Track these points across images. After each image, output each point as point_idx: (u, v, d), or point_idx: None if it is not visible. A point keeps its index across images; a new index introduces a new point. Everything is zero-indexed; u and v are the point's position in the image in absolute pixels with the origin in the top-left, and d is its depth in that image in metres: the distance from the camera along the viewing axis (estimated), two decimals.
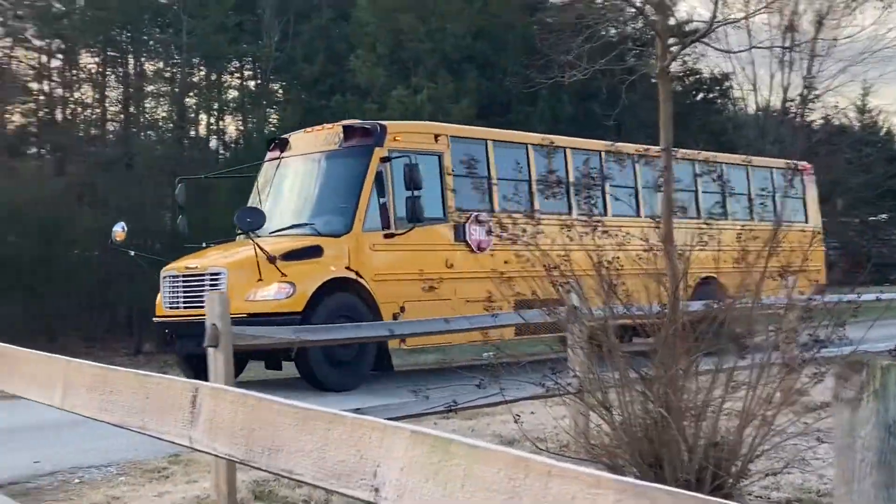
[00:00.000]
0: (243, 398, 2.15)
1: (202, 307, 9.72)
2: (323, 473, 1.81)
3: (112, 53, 23.79)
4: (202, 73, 25.18)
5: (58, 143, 22.43)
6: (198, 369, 10.97)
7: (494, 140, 12.60)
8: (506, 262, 10.92)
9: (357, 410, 1.80)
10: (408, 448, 1.59)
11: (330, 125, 12.47)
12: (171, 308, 11.08)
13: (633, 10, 13.19)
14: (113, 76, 24.29)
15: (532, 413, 6.23)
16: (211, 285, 10.44)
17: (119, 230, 11.38)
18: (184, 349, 10.98)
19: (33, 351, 3.06)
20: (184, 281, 10.95)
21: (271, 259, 10.10)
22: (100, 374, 2.72)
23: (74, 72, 23.38)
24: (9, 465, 6.01)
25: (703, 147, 15.21)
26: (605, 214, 11.86)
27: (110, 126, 23.99)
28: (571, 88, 19.05)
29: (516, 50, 23.09)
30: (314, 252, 10.59)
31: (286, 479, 5.19)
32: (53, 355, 2.94)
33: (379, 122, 12.12)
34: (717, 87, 30.09)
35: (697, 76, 29.31)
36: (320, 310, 10.16)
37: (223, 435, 2.18)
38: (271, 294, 10.18)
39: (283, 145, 12.47)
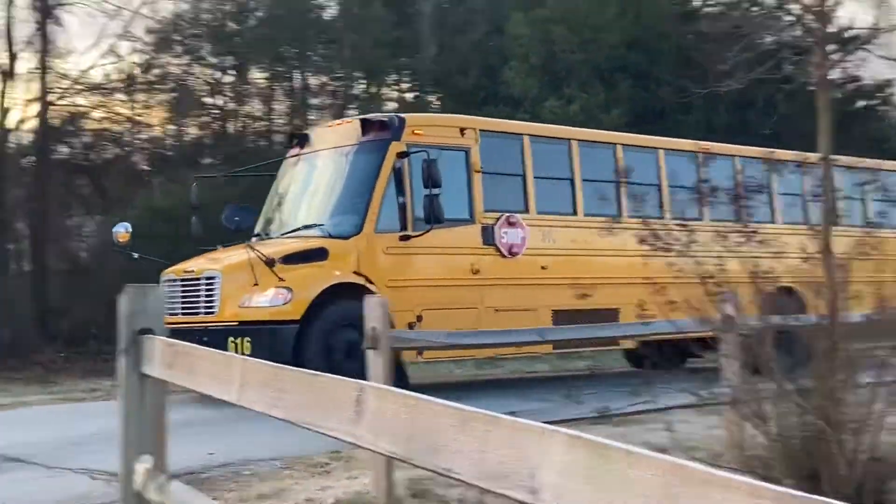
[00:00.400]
0: (405, 399, 2.25)
1: (197, 314, 9.70)
2: (481, 474, 1.88)
3: (279, 69, 24.89)
4: (362, 86, 25.96)
5: (230, 154, 23.64)
6: None
7: (532, 135, 11.51)
8: (543, 269, 10.69)
9: (511, 414, 1.87)
10: (565, 452, 1.64)
11: (350, 119, 11.75)
12: (170, 315, 9.76)
13: (791, 17, 12.73)
14: (280, 90, 25.39)
15: (683, 422, 6.15)
16: (206, 290, 9.70)
17: (122, 231, 10.26)
18: None
19: (212, 350, 3.29)
20: (182, 285, 10.13)
21: (269, 262, 9.30)
22: (271, 372, 2.89)
23: (245, 86, 24.57)
24: (185, 456, 6.39)
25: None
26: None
27: (276, 137, 25.09)
28: (727, 97, 18.57)
29: (670, 60, 22.80)
30: (318, 255, 9.72)
31: (442, 479, 5.35)
32: (231, 354, 3.15)
33: (399, 114, 11.23)
34: (879, 94, 28.57)
35: (858, 83, 27.93)
36: (321, 319, 9.33)
37: (386, 433, 2.29)
38: (267, 300, 9.37)
39: (303, 141, 11.56)
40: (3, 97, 24.98)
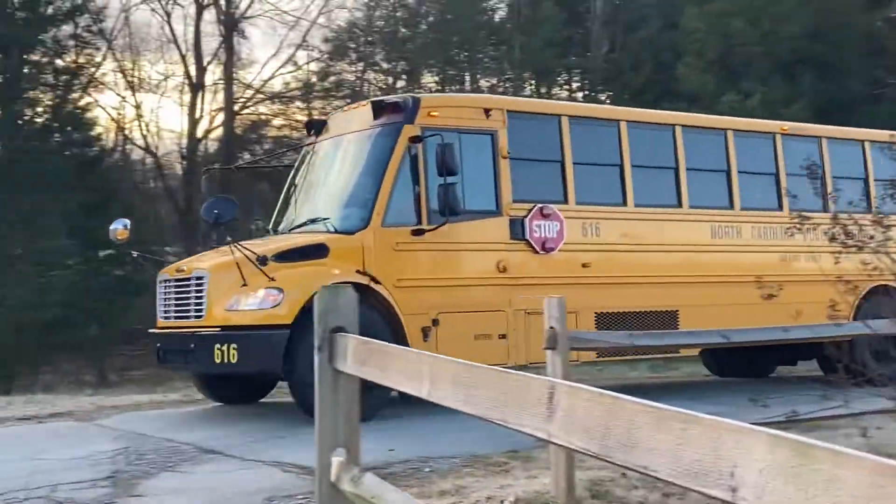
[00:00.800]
0: (599, 397, 2.28)
1: (188, 317, 8.74)
2: (678, 471, 1.90)
3: (450, 72, 25.36)
4: (532, 86, 26.04)
5: None
6: (212, 386, 9.82)
7: (570, 116, 10.14)
8: (585, 266, 9.55)
9: None
10: (767, 451, 1.64)
11: (364, 102, 10.41)
12: (164, 318, 9.41)
13: None
14: (451, 93, 25.85)
15: (879, 428, 5.86)
16: (196, 292, 8.81)
17: (120, 228, 9.40)
18: (176, 366, 9.58)
19: (404, 348, 3.44)
20: (175, 286, 9.27)
21: (261, 260, 8.38)
22: (463, 369, 2.99)
23: (417, 90, 25.17)
24: (365, 452, 6.63)
25: None
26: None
27: None
28: None
29: (857, 49, 21.63)
30: (316, 252, 8.68)
31: (622, 481, 5.34)
32: (421, 352, 3.28)
33: (415, 95, 10.06)
34: None
35: None
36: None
37: (578, 430, 2.33)
38: (256, 303, 8.42)
39: (319, 128, 10.49)
40: (192, 108, 26.69)
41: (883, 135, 11.60)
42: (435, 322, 8.73)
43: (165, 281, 9.47)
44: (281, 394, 10.09)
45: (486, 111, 9.44)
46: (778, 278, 8.80)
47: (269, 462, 6.79)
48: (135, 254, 11.51)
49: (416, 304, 8.65)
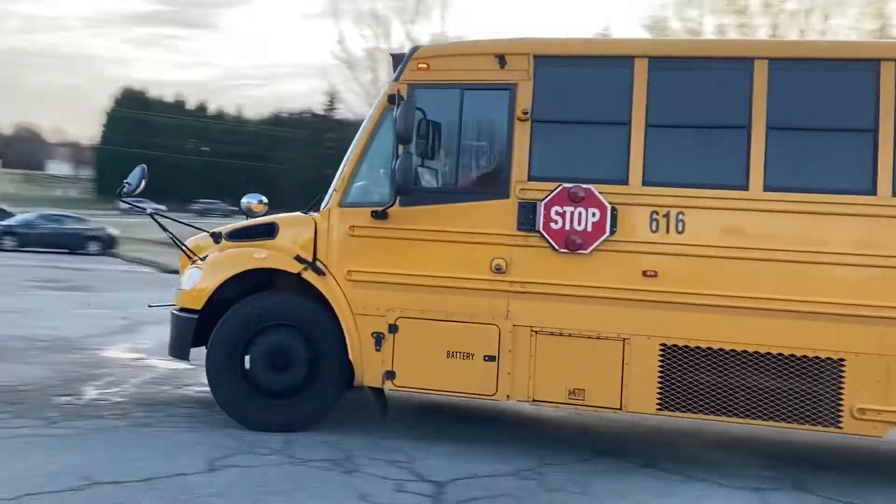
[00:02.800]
0: None
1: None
2: None
3: None
4: None
5: None
6: None
7: (651, 56, 7.00)
8: (648, 275, 6.77)
9: None
10: None
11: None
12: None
13: None
14: None
15: None
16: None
17: (255, 202, 8.44)
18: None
19: None
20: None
21: (215, 237, 7.81)
22: None
23: None
24: None
25: None
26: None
27: None
28: None
29: None
30: (264, 232, 7.65)
31: None
32: None
33: (419, 44, 8.10)
34: None
35: None
36: (228, 316, 7.35)
37: None
38: (183, 282, 7.74)
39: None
40: None
41: None
42: (392, 328, 7.15)
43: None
44: None
45: (501, 58, 7.17)
46: None
47: None
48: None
49: (370, 303, 7.20)
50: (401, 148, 6.91)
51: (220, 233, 7.84)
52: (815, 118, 6.76)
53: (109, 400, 8.36)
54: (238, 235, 7.79)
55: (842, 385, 6.49)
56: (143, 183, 7.58)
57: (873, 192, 6.53)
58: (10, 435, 6.87)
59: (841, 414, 6.51)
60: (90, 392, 8.71)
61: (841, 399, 6.50)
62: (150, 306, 8.89)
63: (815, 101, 6.77)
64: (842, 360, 6.49)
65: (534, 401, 6.91)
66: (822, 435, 7.29)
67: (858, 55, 6.92)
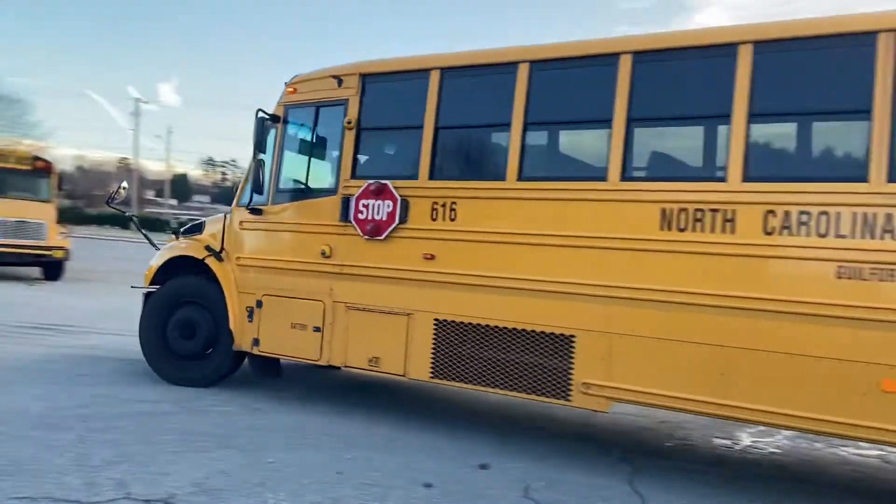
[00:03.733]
0: None
1: None
2: None
3: None
4: None
5: None
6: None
7: (444, 67, 7.88)
8: (428, 258, 7.69)
9: None
10: None
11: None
12: None
13: None
14: None
15: None
16: None
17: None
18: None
19: None
20: None
21: (175, 232, 10.24)
22: None
23: None
24: None
25: None
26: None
27: None
28: None
29: None
30: (197, 228, 9.89)
31: None
32: None
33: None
34: None
35: None
36: (155, 294, 9.52)
37: None
38: (150, 264, 9.91)
39: None
40: None
41: None
42: (259, 303, 8.76)
43: None
44: None
45: (339, 80, 8.48)
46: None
47: None
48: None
49: (248, 284, 8.92)
50: (255, 157, 8.62)
51: (177, 229, 9.96)
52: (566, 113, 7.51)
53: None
54: (188, 231, 9.92)
55: (572, 360, 6.97)
56: (124, 193, 9.81)
57: (604, 178, 6.89)
58: None
59: (571, 388, 6.98)
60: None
61: (571, 374, 6.97)
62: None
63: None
64: (572, 336, 6.99)
65: (345, 366, 8.16)
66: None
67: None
